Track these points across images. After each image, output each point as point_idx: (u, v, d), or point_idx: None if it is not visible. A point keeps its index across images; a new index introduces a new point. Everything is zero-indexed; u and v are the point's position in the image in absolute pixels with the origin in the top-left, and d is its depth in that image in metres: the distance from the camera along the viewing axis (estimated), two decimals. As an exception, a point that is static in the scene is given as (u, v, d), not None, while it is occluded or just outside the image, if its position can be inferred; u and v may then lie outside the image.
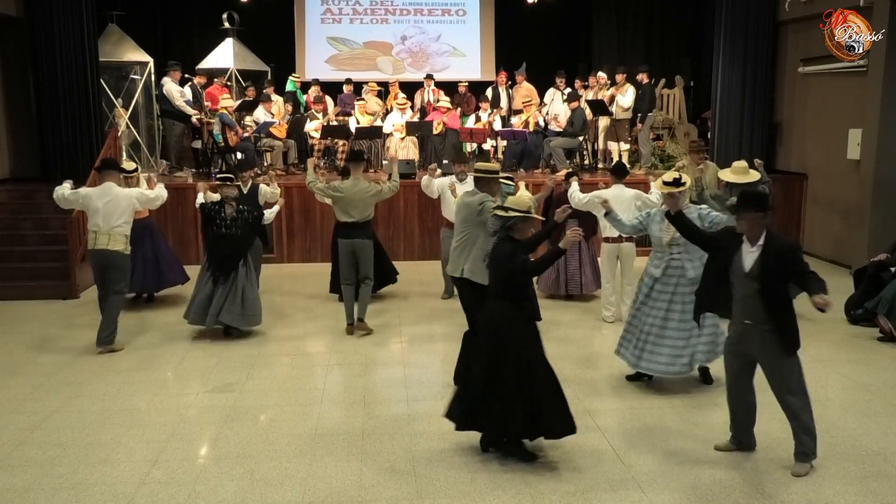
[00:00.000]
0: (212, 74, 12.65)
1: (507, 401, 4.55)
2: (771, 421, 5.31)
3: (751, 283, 4.43)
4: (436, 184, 8.29)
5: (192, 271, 10.07)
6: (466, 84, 13.57)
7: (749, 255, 4.45)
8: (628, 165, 11.98)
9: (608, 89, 12.36)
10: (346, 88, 13.28)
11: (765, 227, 4.43)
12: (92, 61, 10.59)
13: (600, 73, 12.73)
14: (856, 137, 9.86)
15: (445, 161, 11.52)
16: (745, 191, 4.72)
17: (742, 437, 4.87)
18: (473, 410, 4.67)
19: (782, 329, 4.44)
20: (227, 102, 11.49)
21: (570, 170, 9.28)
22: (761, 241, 4.42)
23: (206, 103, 11.80)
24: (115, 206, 6.79)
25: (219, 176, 7.54)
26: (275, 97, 12.51)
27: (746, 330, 4.53)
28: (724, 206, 6.96)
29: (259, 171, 8.61)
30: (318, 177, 7.41)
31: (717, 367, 6.03)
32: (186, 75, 12.20)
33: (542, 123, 12.53)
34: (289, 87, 13.30)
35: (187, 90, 11.87)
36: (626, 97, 11.97)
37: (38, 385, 6.11)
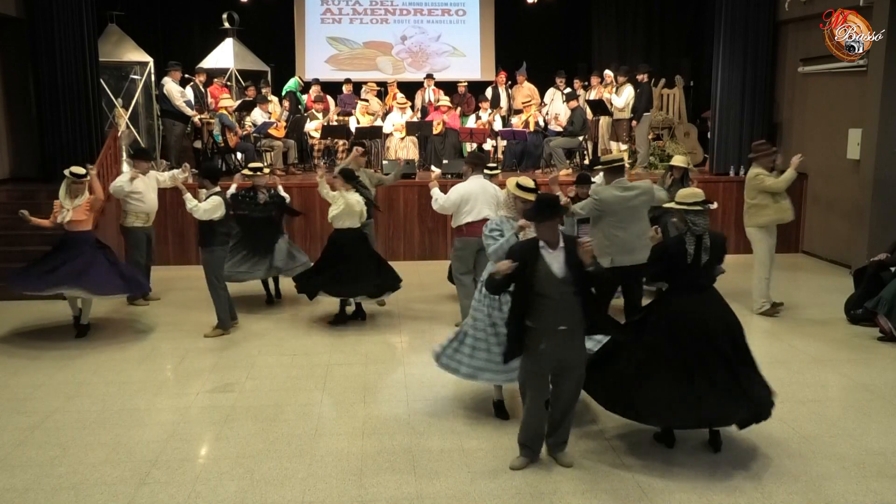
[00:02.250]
0: (212, 74, 12.66)
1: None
2: (771, 421, 5.31)
3: (567, 287, 4.38)
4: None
5: (192, 271, 10.13)
6: (466, 84, 13.58)
7: (556, 261, 4.39)
8: (628, 165, 12.07)
9: (607, 89, 12.37)
10: (346, 88, 13.28)
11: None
12: (92, 61, 10.58)
13: (607, 72, 12.71)
14: (856, 137, 9.86)
15: (445, 161, 11.54)
16: (541, 196, 4.55)
17: (537, 447, 4.74)
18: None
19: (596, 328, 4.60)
20: (227, 102, 11.50)
21: (583, 172, 8.81)
22: (562, 244, 4.42)
23: (209, 101, 11.79)
24: (155, 188, 8.39)
25: (249, 166, 8.56)
26: (272, 97, 12.51)
27: (562, 336, 4.40)
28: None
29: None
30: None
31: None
32: (187, 75, 12.21)
33: (542, 123, 12.53)
34: (291, 86, 13.29)
35: (189, 90, 11.88)
36: (621, 97, 11.98)
37: (38, 385, 6.11)
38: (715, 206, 4.95)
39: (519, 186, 5.15)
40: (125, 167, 8.36)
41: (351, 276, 7.39)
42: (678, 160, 8.11)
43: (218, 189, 7.32)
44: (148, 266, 8.58)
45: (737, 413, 4.58)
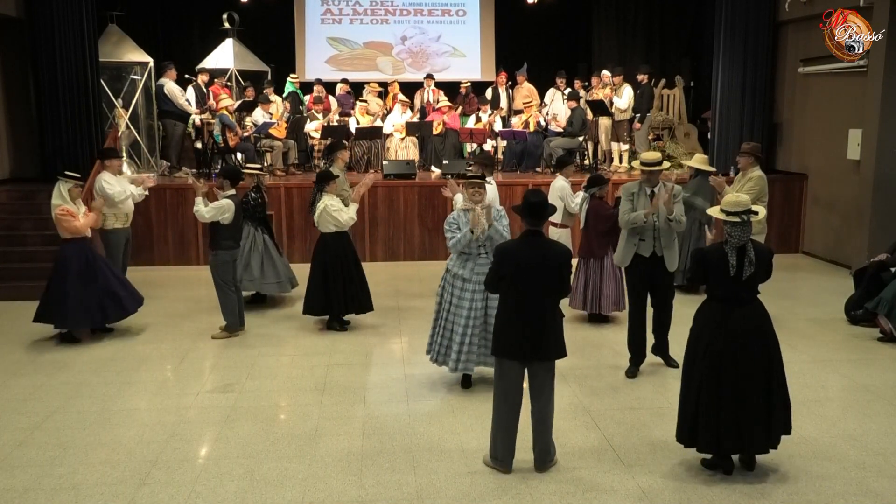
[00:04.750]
0: (212, 75, 12.67)
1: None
2: (771, 421, 5.32)
3: None
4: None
5: (192, 271, 10.15)
6: (469, 84, 13.56)
7: None
8: (628, 166, 12.07)
9: (607, 89, 12.36)
10: (342, 88, 13.28)
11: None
12: (92, 61, 10.58)
13: (604, 72, 12.71)
14: (856, 137, 9.86)
15: (445, 161, 11.54)
16: (531, 200, 4.54)
17: (511, 453, 4.68)
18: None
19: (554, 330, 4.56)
20: (227, 102, 11.50)
21: (597, 174, 8.43)
22: None
23: (210, 103, 11.80)
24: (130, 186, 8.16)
25: (248, 166, 8.60)
26: (273, 98, 12.52)
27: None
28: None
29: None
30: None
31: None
32: (187, 76, 12.19)
33: (542, 124, 12.53)
34: (289, 87, 13.30)
35: (191, 90, 11.88)
36: (622, 98, 11.97)
37: (38, 385, 6.11)
38: (762, 215, 4.71)
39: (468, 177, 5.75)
40: (126, 169, 8.32)
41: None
42: (698, 160, 8.33)
43: (232, 192, 7.28)
44: (124, 269, 8.32)
45: (768, 441, 4.51)
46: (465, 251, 5.68)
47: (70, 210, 7.03)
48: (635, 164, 6.59)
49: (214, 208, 7.07)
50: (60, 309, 6.98)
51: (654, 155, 6.29)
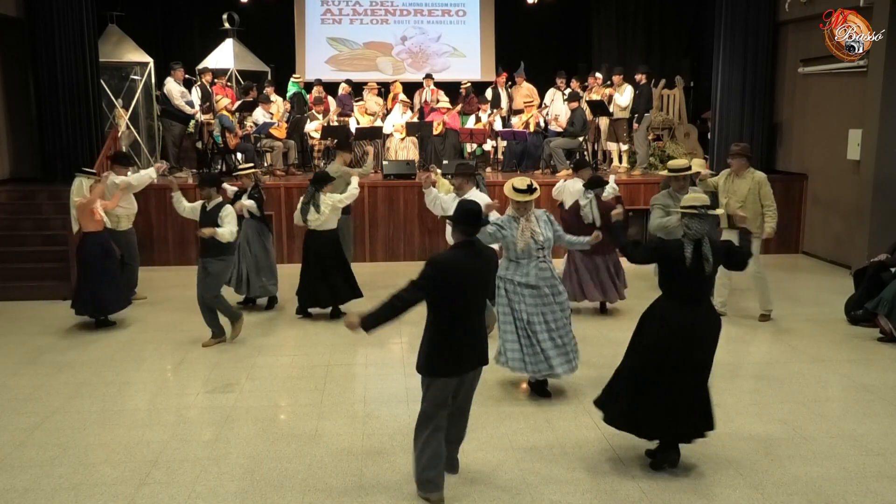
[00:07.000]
0: (213, 75, 12.68)
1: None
2: (771, 421, 5.33)
3: None
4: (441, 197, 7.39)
5: (192, 272, 10.11)
6: (469, 84, 13.55)
7: None
8: (627, 166, 12.08)
9: (606, 89, 12.37)
10: (344, 89, 13.28)
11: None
12: (92, 61, 10.59)
13: (597, 74, 12.75)
14: (856, 137, 9.86)
15: (445, 161, 11.53)
16: (470, 208, 4.30)
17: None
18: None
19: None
20: (225, 102, 11.51)
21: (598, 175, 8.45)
22: None
23: (214, 102, 11.81)
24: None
25: (241, 167, 8.52)
26: (274, 97, 12.52)
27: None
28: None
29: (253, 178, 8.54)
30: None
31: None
32: (187, 76, 12.20)
33: (542, 124, 12.54)
34: (293, 88, 13.29)
35: (195, 91, 11.88)
36: (623, 96, 11.98)
37: (38, 385, 6.11)
38: (720, 212, 4.87)
39: (515, 189, 5.40)
40: (129, 171, 8.46)
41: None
42: (696, 164, 8.28)
43: (219, 199, 7.20)
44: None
45: (700, 429, 4.59)
46: (523, 257, 5.55)
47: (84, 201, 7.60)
48: (662, 171, 6.55)
49: (230, 222, 6.98)
50: (115, 294, 7.60)
51: (682, 162, 6.19)
